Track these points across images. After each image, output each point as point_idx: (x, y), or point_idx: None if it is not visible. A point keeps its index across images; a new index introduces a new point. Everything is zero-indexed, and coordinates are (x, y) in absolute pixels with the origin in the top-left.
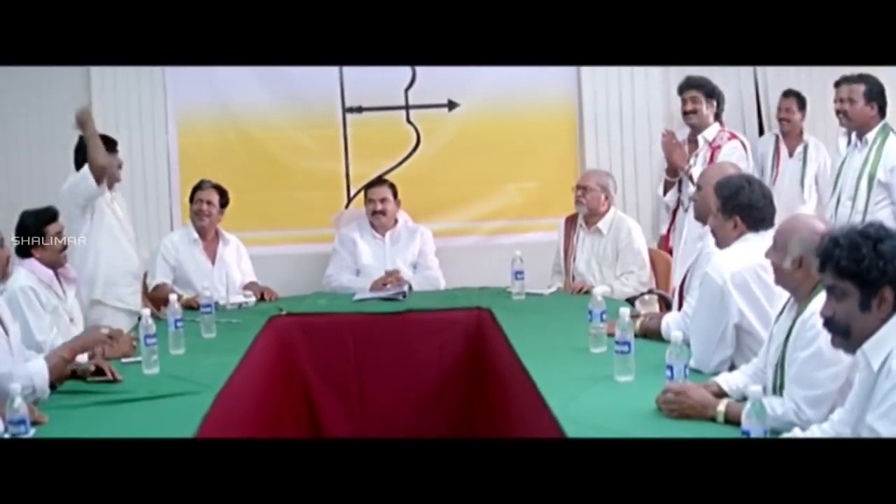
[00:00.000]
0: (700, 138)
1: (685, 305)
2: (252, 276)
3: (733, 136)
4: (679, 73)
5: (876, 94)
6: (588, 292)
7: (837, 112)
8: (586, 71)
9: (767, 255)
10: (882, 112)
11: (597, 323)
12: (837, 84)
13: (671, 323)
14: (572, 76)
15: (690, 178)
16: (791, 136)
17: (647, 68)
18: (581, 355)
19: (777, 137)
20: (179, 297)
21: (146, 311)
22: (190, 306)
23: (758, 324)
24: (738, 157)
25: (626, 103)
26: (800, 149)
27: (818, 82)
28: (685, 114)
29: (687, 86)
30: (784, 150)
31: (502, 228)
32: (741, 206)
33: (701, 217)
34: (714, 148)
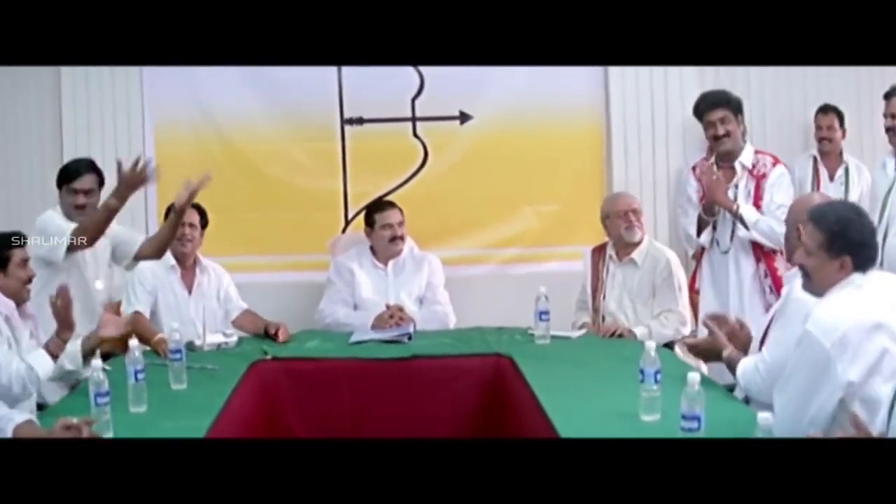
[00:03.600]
0: (737, 165)
1: (764, 352)
2: (240, 303)
3: (776, 161)
4: (716, 79)
5: None
6: (621, 335)
7: (889, 129)
8: (615, 79)
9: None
10: None
11: (650, 385)
12: (889, 96)
13: (746, 373)
14: (598, 84)
15: (740, 218)
16: (831, 157)
17: (681, 75)
18: (629, 423)
19: (815, 159)
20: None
21: (96, 363)
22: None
23: (876, 387)
24: (786, 185)
25: (659, 118)
26: (840, 171)
27: (852, 93)
28: (716, 139)
29: (712, 104)
30: (824, 174)
31: (518, 257)
32: (853, 243)
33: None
34: (758, 177)
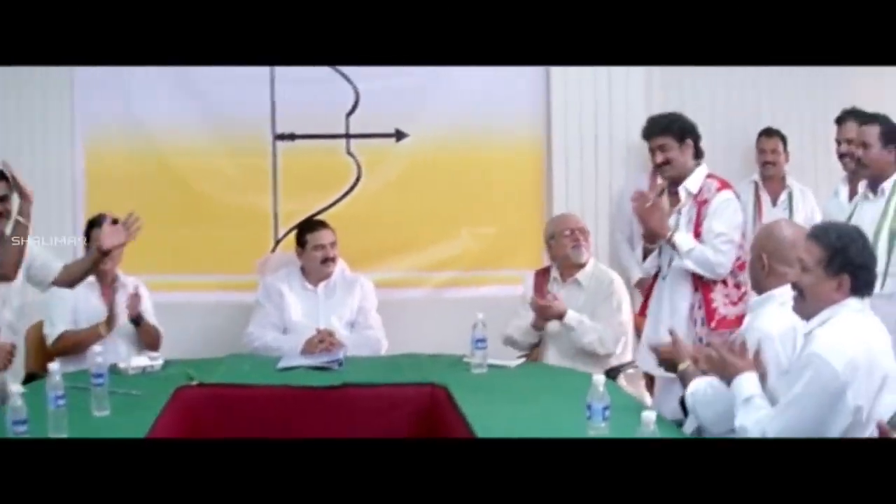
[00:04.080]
0: (681, 190)
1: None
2: (152, 321)
3: (724, 186)
4: (665, 100)
5: (894, 136)
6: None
7: (843, 156)
8: (557, 97)
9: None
10: None
11: (598, 422)
12: (841, 120)
13: (697, 392)
14: (540, 103)
15: (673, 246)
16: (774, 181)
17: (627, 94)
18: None
19: (756, 185)
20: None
21: (15, 388)
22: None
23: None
24: (729, 213)
25: (603, 139)
26: (784, 196)
27: (794, 116)
28: (657, 166)
29: (651, 132)
30: (766, 199)
31: (454, 280)
32: (853, 263)
33: (759, 284)
34: (700, 203)
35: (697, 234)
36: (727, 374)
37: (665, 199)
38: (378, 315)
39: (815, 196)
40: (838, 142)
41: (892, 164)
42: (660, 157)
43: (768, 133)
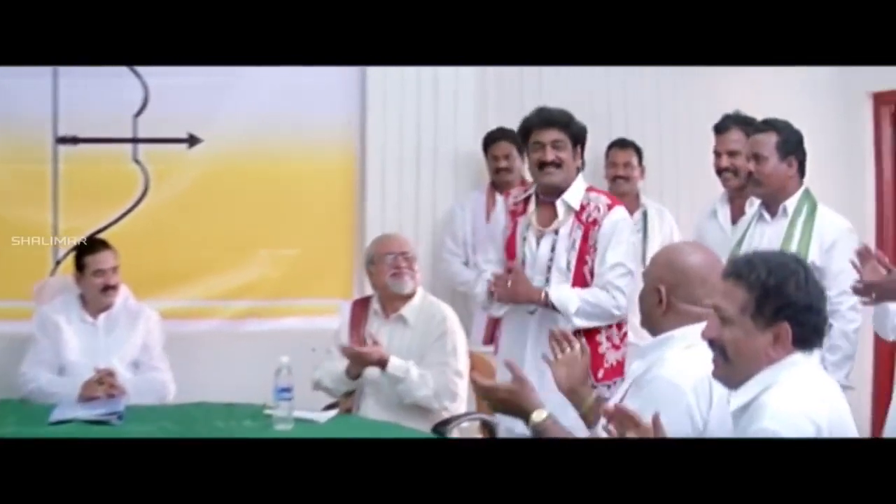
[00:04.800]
0: (559, 204)
1: None
2: None
3: (614, 202)
4: (501, 106)
5: (794, 147)
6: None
7: (724, 170)
8: (374, 99)
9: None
10: (802, 171)
11: None
12: (722, 129)
13: None
14: (354, 105)
15: (552, 306)
16: (627, 198)
17: (456, 100)
18: None
19: None
20: None
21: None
22: None
23: None
24: (628, 235)
25: (427, 149)
26: (638, 216)
27: (650, 124)
28: (542, 166)
29: (547, 121)
30: None
31: (253, 311)
32: (796, 305)
33: (654, 323)
34: (588, 224)
35: (583, 262)
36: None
37: (530, 242)
38: (165, 354)
39: (677, 217)
40: (718, 153)
41: (793, 180)
42: (551, 155)
43: (621, 144)
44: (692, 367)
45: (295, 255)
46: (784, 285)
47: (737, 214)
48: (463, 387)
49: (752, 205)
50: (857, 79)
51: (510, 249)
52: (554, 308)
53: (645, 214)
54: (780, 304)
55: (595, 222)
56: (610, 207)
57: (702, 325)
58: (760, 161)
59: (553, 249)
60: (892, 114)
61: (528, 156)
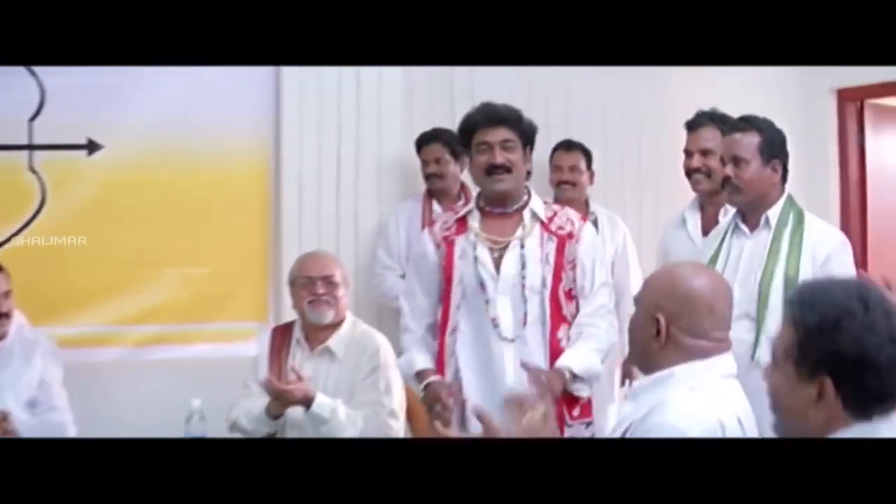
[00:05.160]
0: (526, 214)
1: None
2: None
3: (584, 216)
4: (430, 108)
5: (778, 148)
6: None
7: (695, 171)
8: (289, 101)
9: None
10: (785, 176)
11: None
12: (695, 125)
13: None
14: (267, 108)
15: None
16: (575, 206)
17: (380, 101)
18: None
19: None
20: None
21: None
22: None
23: None
24: (602, 248)
25: (348, 156)
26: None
27: (596, 124)
28: (490, 170)
29: (492, 119)
30: None
31: (159, 337)
32: (841, 358)
33: (649, 359)
34: (563, 237)
35: (558, 279)
36: None
37: (484, 260)
38: (64, 390)
39: (631, 226)
40: (689, 152)
41: (777, 186)
42: (500, 157)
43: (567, 147)
44: (700, 411)
45: (205, 274)
46: (829, 328)
47: (709, 224)
48: (398, 428)
49: (727, 213)
50: (820, 75)
51: (448, 273)
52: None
53: (595, 223)
54: (823, 351)
55: (571, 235)
56: (583, 219)
57: (709, 362)
58: (740, 164)
59: (523, 265)
60: (858, 111)
61: (472, 159)
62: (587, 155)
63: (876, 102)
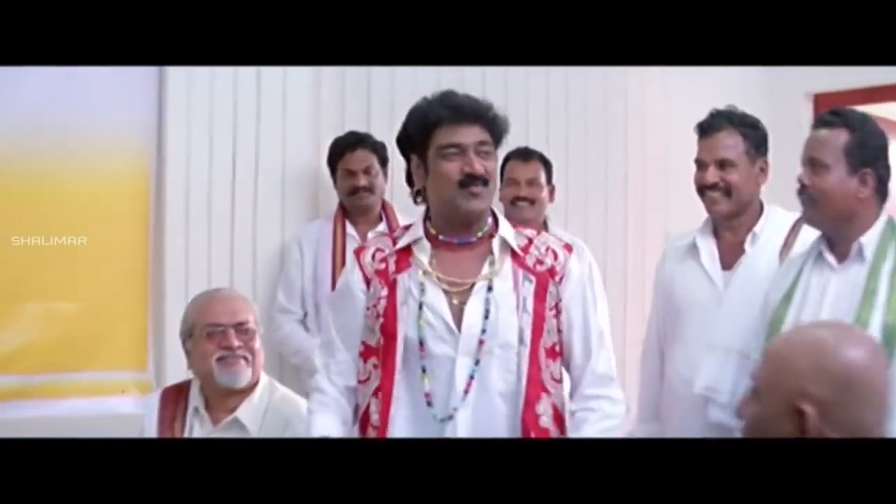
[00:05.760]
0: (496, 242)
1: None
2: None
3: (567, 245)
4: (341, 110)
5: (871, 156)
6: None
7: (709, 188)
8: (174, 103)
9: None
10: (882, 193)
11: None
12: (709, 130)
13: None
14: (149, 112)
15: None
16: (531, 227)
17: (286, 100)
18: None
19: None
20: None
21: None
22: None
23: None
24: (600, 288)
25: (246, 160)
26: None
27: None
28: (472, 181)
29: (464, 113)
30: None
31: (18, 390)
32: None
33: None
34: (542, 274)
35: (539, 332)
36: None
37: (437, 306)
38: None
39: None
40: (701, 163)
41: (868, 204)
42: (478, 166)
43: (523, 156)
44: None
45: (74, 311)
46: None
47: (730, 255)
48: None
49: (754, 242)
50: (794, 79)
51: (389, 325)
52: None
53: None
54: None
55: (553, 272)
56: (567, 248)
57: None
58: (818, 170)
59: (487, 314)
60: None
61: (431, 166)
62: (547, 166)
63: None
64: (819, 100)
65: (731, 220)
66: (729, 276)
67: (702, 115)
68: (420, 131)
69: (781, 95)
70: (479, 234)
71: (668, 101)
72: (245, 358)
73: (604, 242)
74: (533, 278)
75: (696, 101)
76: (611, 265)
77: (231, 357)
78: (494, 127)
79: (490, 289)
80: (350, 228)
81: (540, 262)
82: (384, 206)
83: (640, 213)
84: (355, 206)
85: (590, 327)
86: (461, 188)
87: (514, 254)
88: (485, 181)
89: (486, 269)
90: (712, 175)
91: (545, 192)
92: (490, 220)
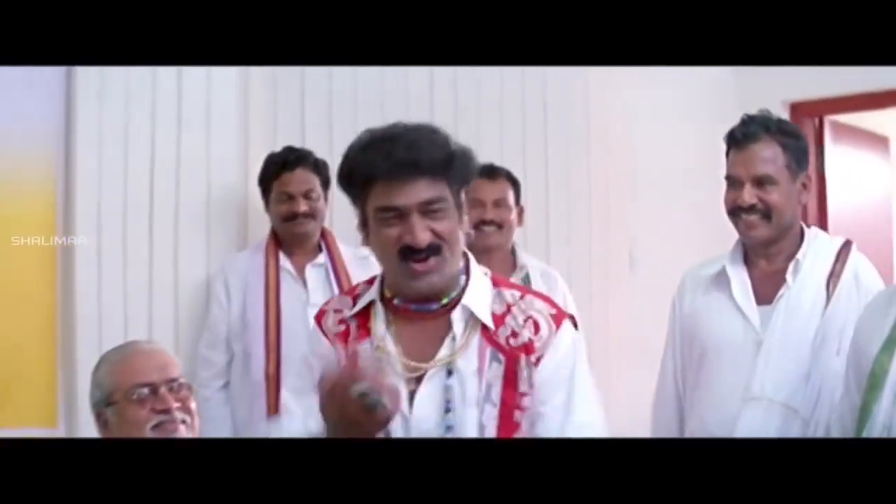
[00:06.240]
0: (456, 316)
1: None
2: None
3: (560, 314)
4: (273, 118)
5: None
6: None
7: (745, 210)
8: (84, 111)
9: None
10: None
11: None
12: (742, 140)
13: None
14: (55, 119)
15: None
16: (499, 256)
17: (209, 105)
18: None
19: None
20: None
21: None
22: None
23: None
24: (585, 371)
25: (164, 179)
26: (516, 281)
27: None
28: (411, 253)
29: (405, 165)
30: None
31: None
32: None
33: None
34: (513, 351)
35: (510, 426)
36: None
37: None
38: None
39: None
40: (734, 180)
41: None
42: (420, 234)
43: (490, 174)
44: None
45: None
46: None
47: (767, 287)
48: None
49: (797, 272)
50: (769, 86)
51: None
52: None
53: (527, 279)
54: None
55: (529, 348)
56: (556, 319)
57: None
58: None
59: (448, 407)
60: (816, 129)
61: (370, 229)
62: (515, 185)
63: (836, 120)
64: (796, 109)
65: (768, 247)
66: (767, 311)
67: (669, 126)
68: (354, 185)
69: (756, 104)
70: (445, 301)
71: (631, 117)
72: (184, 421)
73: (567, 264)
74: (502, 358)
75: (661, 111)
76: (575, 287)
77: (169, 423)
78: (451, 176)
79: (450, 373)
80: (284, 260)
81: (515, 334)
82: (324, 233)
83: (604, 230)
84: (292, 234)
85: (577, 418)
86: (402, 260)
87: (483, 326)
88: (434, 249)
89: (444, 350)
90: (749, 195)
91: (514, 215)
92: (462, 280)
